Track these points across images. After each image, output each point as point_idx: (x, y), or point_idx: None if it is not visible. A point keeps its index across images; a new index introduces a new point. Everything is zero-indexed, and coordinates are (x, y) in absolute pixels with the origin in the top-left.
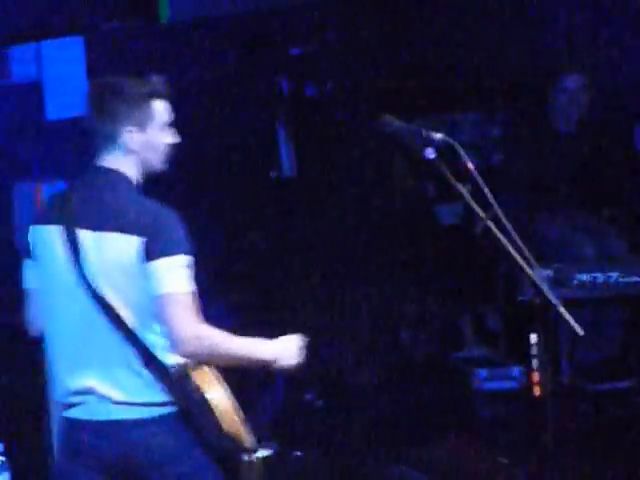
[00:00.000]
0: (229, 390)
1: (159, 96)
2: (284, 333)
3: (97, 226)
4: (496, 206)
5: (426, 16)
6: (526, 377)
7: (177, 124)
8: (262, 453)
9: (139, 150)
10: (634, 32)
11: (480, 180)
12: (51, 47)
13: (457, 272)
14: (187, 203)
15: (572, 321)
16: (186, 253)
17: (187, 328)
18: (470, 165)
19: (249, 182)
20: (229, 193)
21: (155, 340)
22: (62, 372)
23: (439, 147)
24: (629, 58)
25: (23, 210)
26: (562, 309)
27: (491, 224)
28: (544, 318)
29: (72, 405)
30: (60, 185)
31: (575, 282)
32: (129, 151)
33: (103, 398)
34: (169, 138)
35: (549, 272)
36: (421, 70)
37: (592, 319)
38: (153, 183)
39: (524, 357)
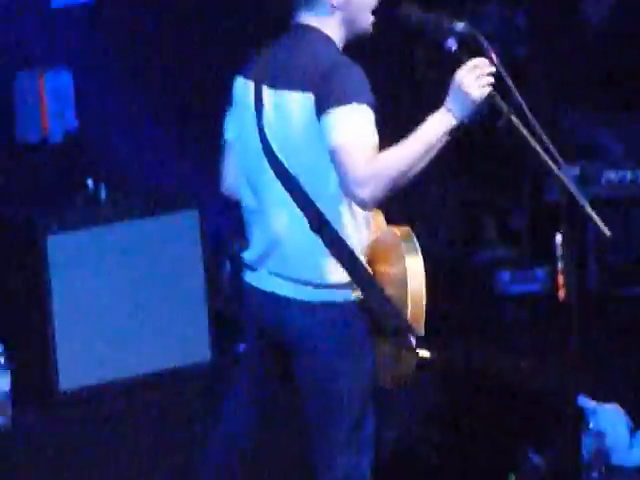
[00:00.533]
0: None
1: None
2: None
3: (276, 84)
4: (521, 100)
5: None
6: (551, 279)
7: None
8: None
9: (343, 6)
10: None
11: (504, 73)
12: None
13: (479, 169)
14: None
15: (600, 222)
16: (360, 102)
17: (358, 173)
18: (495, 58)
19: None
20: None
21: (333, 210)
22: (249, 234)
23: (461, 38)
24: None
25: (26, 101)
26: (589, 209)
27: (515, 119)
28: (570, 218)
29: (249, 269)
30: (64, 74)
31: (603, 181)
32: (332, 8)
33: (272, 270)
34: None
35: (576, 170)
36: None
37: (621, 220)
38: None
39: (549, 259)
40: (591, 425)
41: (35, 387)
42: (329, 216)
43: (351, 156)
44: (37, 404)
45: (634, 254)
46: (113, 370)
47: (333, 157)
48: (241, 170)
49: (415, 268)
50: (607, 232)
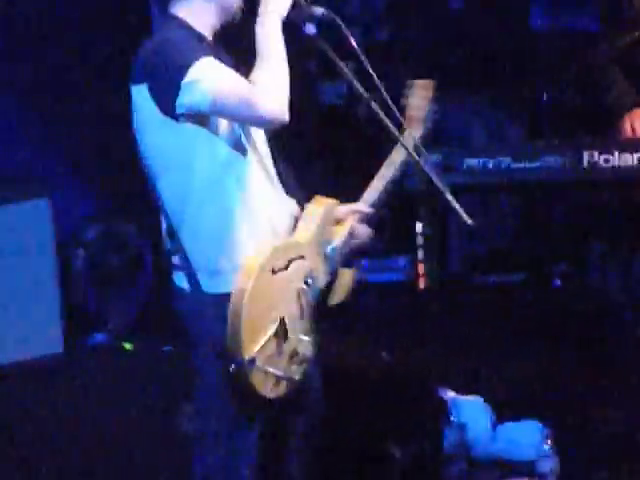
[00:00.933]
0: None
1: None
2: None
3: (131, 79)
4: (381, 86)
5: None
6: (412, 268)
7: None
8: (264, 369)
9: None
10: None
11: (364, 58)
12: None
13: (338, 153)
14: None
15: (461, 210)
16: (198, 58)
17: (251, 94)
18: (353, 43)
19: None
20: None
21: (199, 210)
22: None
23: (320, 22)
24: None
25: None
26: (450, 197)
27: (375, 105)
28: (432, 206)
29: None
30: None
31: (464, 168)
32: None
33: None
34: None
35: (437, 157)
36: None
37: (482, 207)
38: None
39: (410, 247)
40: (453, 417)
41: None
42: (194, 216)
43: (232, 93)
44: None
45: (495, 241)
46: None
47: (220, 113)
48: None
49: (241, 281)
50: (468, 220)
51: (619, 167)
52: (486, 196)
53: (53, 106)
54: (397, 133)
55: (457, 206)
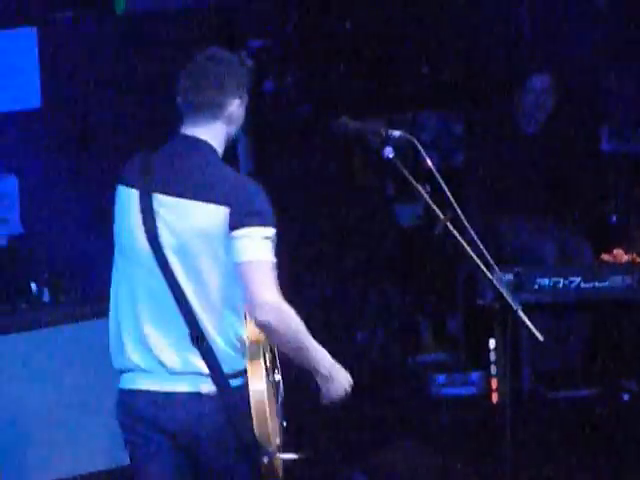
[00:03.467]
0: (276, 389)
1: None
2: None
3: (180, 193)
4: (456, 207)
5: (389, 11)
6: (485, 383)
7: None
8: (283, 456)
9: (236, 121)
10: (598, 30)
11: (440, 180)
12: (3, 38)
13: (416, 274)
14: None
15: (532, 327)
16: (268, 225)
17: (267, 295)
18: (430, 164)
19: None
20: None
21: (221, 319)
22: (126, 337)
23: (398, 145)
24: (593, 57)
25: None
26: (522, 314)
27: (451, 226)
28: (504, 323)
29: (130, 374)
30: (10, 179)
31: (536, 287)
32: (229, 121)
33: (160, 367)
34: None
35: (509, 276)
36: (384, 66)
37: (554, 325)
38: None
39: (484, 362)
40: None
41: None
42: (212, 322)
43: (258, 276)
44: None
45: (566, 358)
46: (46, 473)
47: (240, 271)
48: (120, 275)
49: (256, 381)
50: (540, 337)
51: None
52: (557, 313)
53: None
54: (472, 252)
55: (529, 323)
